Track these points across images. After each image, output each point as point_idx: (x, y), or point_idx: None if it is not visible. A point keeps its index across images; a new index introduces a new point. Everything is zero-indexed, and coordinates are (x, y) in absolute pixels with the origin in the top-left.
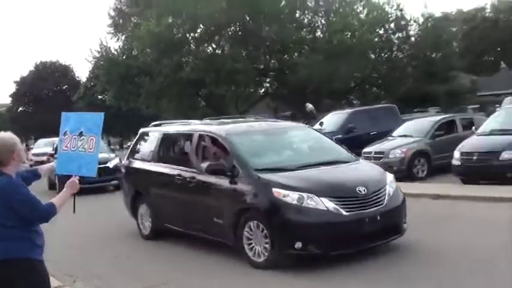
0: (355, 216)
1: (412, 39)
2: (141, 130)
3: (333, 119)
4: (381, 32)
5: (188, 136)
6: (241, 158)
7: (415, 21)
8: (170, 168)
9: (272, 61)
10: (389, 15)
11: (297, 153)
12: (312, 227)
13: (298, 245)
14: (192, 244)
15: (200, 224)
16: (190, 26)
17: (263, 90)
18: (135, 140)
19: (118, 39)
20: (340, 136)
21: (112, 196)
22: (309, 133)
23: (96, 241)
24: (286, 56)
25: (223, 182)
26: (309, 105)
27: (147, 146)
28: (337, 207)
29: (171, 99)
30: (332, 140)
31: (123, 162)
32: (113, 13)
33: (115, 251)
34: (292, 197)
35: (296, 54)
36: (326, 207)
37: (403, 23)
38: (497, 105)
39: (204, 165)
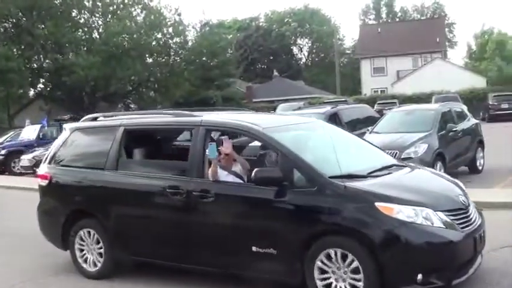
0: (468, 233)
1: (190, 44)
2: (71, 126)
3: None
4: (159, 36)
5: (182, 132)
6: (304, 162)
7: (193, 27)
8: (151, 179)
9: (47, 61)
10: (168, 20)
11: (349, 155)
12: (433, 252)
13: (420, 277)
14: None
15: (223, 257)
16: None
17: (36, 91)
18: (60, 139)
19: None
20: None
21: None
22: (334, 129)
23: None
24: (61, 56)
25: (268, 195)
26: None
27: (93, 148)
28: (453, 223)
29: None
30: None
31: (42, 170)
32: None
33: None
34: (405, 214)
35: (72, 54)
36: (444, 225)
37: (181, 28)
38: (272, 111)
39: (224, 173)
